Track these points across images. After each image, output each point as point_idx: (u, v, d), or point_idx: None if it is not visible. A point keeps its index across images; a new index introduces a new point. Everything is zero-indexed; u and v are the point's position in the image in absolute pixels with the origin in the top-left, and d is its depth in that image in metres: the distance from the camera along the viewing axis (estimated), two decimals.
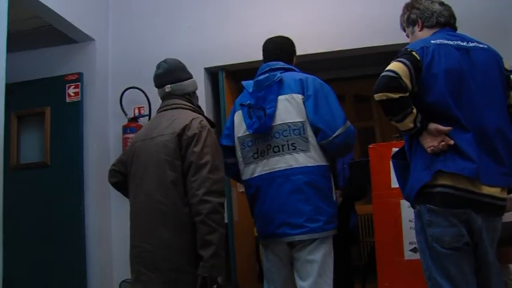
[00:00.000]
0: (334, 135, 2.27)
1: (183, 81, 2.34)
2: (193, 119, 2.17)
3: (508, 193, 1.97)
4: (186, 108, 2.29)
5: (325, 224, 2.26)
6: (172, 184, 2.10)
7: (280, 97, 2.34)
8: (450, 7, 2.13)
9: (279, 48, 2.57)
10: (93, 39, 3.75)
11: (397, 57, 1.90)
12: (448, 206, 1.84)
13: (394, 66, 1.85)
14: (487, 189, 1.84)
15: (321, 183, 2.29)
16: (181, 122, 2.17)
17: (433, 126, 1.87)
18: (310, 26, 3.69)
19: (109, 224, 3.67)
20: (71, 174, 3.57)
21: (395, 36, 3.45)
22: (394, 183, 2.49)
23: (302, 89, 2.35)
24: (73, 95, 3.66)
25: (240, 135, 2.45)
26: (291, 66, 2.51)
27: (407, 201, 2.04)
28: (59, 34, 3.60)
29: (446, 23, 2.09)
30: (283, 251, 2.35)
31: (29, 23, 3.67)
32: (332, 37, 3.65)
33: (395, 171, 2.11)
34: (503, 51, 3.30)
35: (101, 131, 3.74)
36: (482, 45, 2.01)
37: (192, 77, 2.41)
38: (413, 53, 1.89)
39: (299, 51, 3.29)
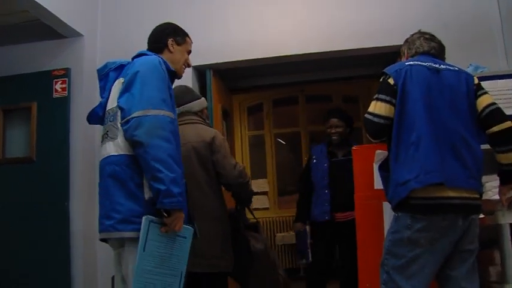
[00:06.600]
0: (124, 120, 1.98)
1: (189, 102, 2.81)
2: (216, 131, 2.76)
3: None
4: (200, 123, 2.79)
5: (118, 223, 1.96)
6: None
7: (113, 84, 2.20)
8: (436, 43, 2.34)
9: (148, 43, 2.40)
10: (82, 35, 3.74)
11: (377, 93, 2.16)
12: (429, 214, 1.99)
13: (376, 108, 2.13)
14: (455, 193, 2.00)
15: (122, 176, 1.98)
16: (208, 133, 2.69)
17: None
18: (298, 27, 3.71)
19: (94, 220, 3.59)
20: (57, 169, 3.57)
21: (384, 39, 3.53)
22: (377, 185, 2.52)
23: (127, 71, 2.14)
24: (60, 90, 3.64)
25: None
26: (145, 52, 2.27)
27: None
28: (46, 29, 3.57)
29: (425, 52, 2.30)
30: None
31: (17, 16, 3.64)
32: (320, 39, 3.68)
33: (382, 181, 2.28)
34: (490, 56, 3.40)
35: (88, 127, 3.72)
36: (453, 68, 2.21)
37: (199, 98, 2.89)
38: (389, 80, 2.15)
39: (286, 52, 3.30)
